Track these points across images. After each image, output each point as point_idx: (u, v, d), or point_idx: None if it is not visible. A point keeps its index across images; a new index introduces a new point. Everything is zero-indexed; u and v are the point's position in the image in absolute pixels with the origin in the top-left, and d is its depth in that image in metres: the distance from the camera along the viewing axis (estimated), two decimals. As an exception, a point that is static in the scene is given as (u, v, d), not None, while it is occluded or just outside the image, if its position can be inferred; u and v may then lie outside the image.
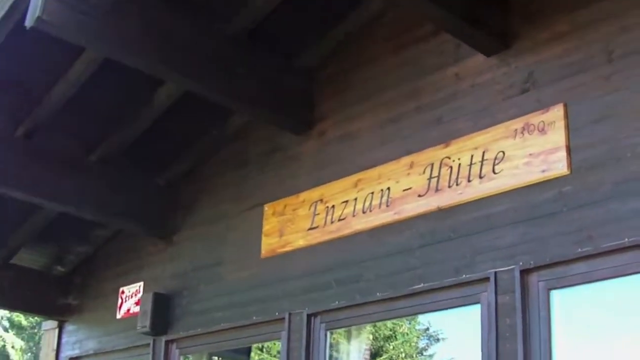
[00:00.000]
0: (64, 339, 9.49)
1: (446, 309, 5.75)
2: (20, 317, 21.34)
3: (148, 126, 7.62)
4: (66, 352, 9.33)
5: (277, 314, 6.76)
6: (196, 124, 7.79)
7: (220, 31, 6.62)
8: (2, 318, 21.30)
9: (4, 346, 20.86)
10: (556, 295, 4.99)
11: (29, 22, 5.48)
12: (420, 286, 5.70)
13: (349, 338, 7.62)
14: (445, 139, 5.91)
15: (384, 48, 6.71)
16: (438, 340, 7.60)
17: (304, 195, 6.88)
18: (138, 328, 7.90)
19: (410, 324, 7.85)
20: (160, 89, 7.21)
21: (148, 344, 8.04)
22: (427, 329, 7.72)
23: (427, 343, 7.95)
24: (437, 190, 5.79)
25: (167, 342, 7.83)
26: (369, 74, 6.78)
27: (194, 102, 7.04)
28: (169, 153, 8.17)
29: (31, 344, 21.13)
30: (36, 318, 19.36)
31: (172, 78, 6.71)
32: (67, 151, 7.85)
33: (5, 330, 21.51)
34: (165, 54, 6.29)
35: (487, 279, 5.27)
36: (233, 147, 7.90)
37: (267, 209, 7.19)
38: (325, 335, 6.42)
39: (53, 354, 9.63)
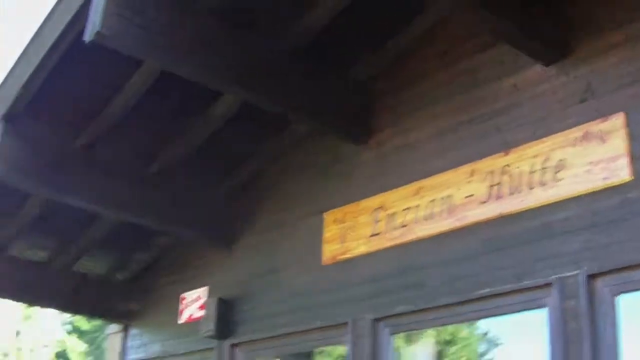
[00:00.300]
0: (129, 343, 9.62)
1: (509, 313, 5.74)
2: (82, 322, 21.65)
3: (207, 136, 7.73)
4: (131, 355, 9.46)
5: (340, 319, 6.80)
6: (255, 133, 7.88)
7: (276, 44, 6.66)
8: (64, 323, 21.59)
9: (65, 350, 21.10)
10: (622, 301, 4.96)
11: (88, 37, 5.57)
12: (483, 291, 5.71)
13: (409, 343, 7.65)
14: (504, 148, 5.93)
15: (442, 59, 6.72)
16: (497, 345, 7.58)
17: (364, 203, 6.92)
18: (202, 332, 8.00)
19: (469, 328, 7.84)
20: (219, 99, 7.29)
21: (212, 348, 8.15)
22: (486, 333, 7.70)
23: (486, 348, 7.93)
24: (498, 197, 5.80)
25: (231, 346, 7.92)
26: (427, 84, 6.80)
27: (253, 112, 7.10)
28: (229, 162, 8.26)
29: (92, 347, 21.34)
30: (98, 322, 19.63)
31: (228, 90, 6.80)
32: (128, 161, 7.98)
33: (68, 334, 21.80)
34: (221, 66, 6.35)
35: (550, 284, 5.26)
36: (293, 156, 7.98)
37: (328, 216, 7.26)
38: (390, 340, 6.47)
39: (118, 357, 9.78)
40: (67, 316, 21.29)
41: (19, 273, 9.17)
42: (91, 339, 20.97)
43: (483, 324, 7.07)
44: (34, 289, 9.34)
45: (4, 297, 10.12)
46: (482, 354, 7.64)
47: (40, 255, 9.34)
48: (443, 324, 6.69)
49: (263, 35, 6.60)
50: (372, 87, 7.29)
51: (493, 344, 7.35)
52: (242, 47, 6.51)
